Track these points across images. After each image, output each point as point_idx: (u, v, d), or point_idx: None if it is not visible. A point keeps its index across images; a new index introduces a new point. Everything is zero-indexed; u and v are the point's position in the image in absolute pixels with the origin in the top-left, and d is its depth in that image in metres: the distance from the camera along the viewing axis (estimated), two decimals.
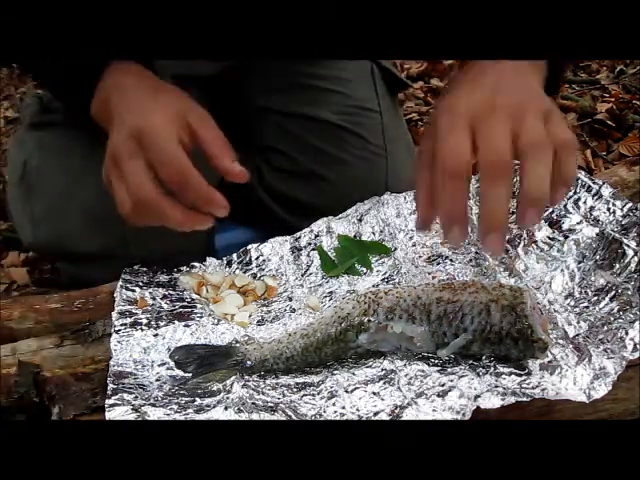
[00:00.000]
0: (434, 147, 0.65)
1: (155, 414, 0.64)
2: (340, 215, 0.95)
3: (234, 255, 0.92)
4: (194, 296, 0.85)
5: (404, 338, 0.70)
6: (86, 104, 0.81)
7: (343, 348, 0.72)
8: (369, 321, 0.71)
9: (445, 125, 0.65)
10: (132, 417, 0.64)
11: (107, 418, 0.64)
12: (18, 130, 1.13)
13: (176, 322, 0.79)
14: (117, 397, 0.66)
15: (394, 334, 0.70)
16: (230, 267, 0.91)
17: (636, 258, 0.77)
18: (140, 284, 0.85)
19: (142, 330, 0.77)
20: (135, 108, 0.76)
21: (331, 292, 0.85)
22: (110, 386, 0.68)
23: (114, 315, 0.79)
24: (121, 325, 0.77)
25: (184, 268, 0.90)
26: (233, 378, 0.70)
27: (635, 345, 0.67)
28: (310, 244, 0.92)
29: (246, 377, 0.71)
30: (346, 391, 0.68)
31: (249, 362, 0.71)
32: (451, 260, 0.86)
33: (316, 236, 0.92)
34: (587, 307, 0.75)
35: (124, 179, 0.73)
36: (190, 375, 0.71)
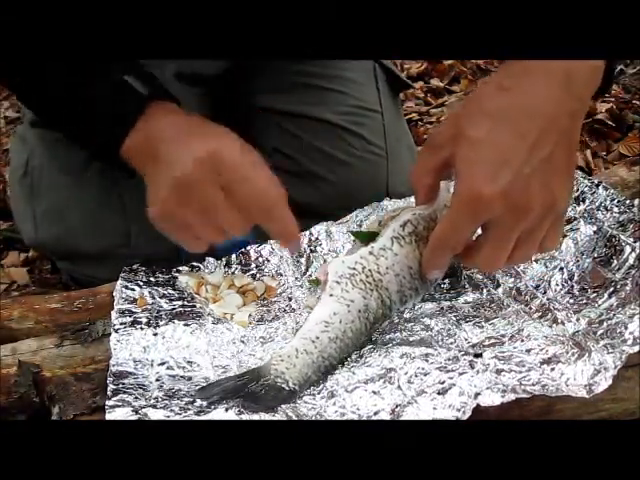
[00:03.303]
0: (453, 159, 0.65)
1: (156, 416, 0.64)
2: (340, 220, 0.95)
3: (233, 255, 0.92)
4: (194, 295, 0.85)
5: None
6: (118, 142, 0.78)
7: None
8: (390, 310, 0.75)
9: (471, 157, 0.64)
10: (132, 419, 0.64)
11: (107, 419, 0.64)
12: (20, 126, 1.13)
13: (176, 321, 0.79)
14: (117, 398, 0.66)
15: None
16: (229, 267, 0.91)
17: (634, 254, 0.77)
18: (139, 283, 0.85)
19: (142, 329, 0.77)
20: (204, 136, 0.76)
21: None
22: (110, 387, 0.68)
23: (113, 314, 0.79)
24: (120, 324, 0.77)
25: (183, 268, 0.90)
26: None
27: (635, 339, 0.67)
28: (309, 246, 0.92)
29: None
30: (346, 390, 0.68)
31: (292, 385, 0.68)
32: None
33: (316, 239, 0.92)
34: (586, 304, 0.76)
35: (207, 210, 0.73)
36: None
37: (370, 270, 0.73)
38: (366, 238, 0.78)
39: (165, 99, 0.79)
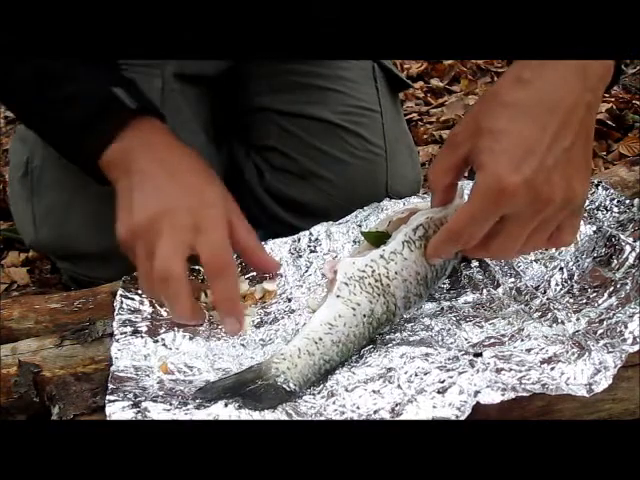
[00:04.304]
0: (475, 153, 0.65)
1: (155, 409, 0.64)
2: (340, 220, 0.95)
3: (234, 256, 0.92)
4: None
5: None
6: (98, 151, 0.78)
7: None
8: (394, 315, 0.75)
9: (494, 147, 0.64)
10: (132, 412, 0.64)
11: (107, 413, 0.64)
12: (20, 126, 1.13)
13: (175, 328, 0.78)
14: (117, 394, 0.66)
15: None
16: None
17: (634, 253, 0.77)
18: (139, 292, 0.84)
19: (142, 337, 0.77)
20: (186, 182, 0.77)
21: None
22: (110, 386, 0.68)
23: (114, 324, 0.78)
24: (121, 334, 0.77)
25: None
26: None
27: (635, 338, 0.67)
28: (309, 246, 0.92)
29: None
30: (346, 390, 0.68)
31: (293, 386, 0.68)
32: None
33: (316, 239, 0.92)
34: (586, 304, 0.76)
35: (160, 246, 0.73)
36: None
37: (379, 274, 0.73)
38: (375, 239, 0.78)
39: (151, 114, 0.80)
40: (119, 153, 0.77)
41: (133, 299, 0.83)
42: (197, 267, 0.89)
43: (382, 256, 0.74)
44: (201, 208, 0.75)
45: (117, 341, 0.76)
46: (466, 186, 0.84)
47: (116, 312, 0.80)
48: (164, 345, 0.76)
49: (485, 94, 0.70)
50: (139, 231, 0.75)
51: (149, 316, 0.81)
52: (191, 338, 0.78)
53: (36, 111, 0.81)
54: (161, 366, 0.73)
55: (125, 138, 0.77)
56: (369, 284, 0.73)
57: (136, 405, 0.64)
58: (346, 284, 0.73)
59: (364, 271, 0.73)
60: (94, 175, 0.81)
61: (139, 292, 0.84)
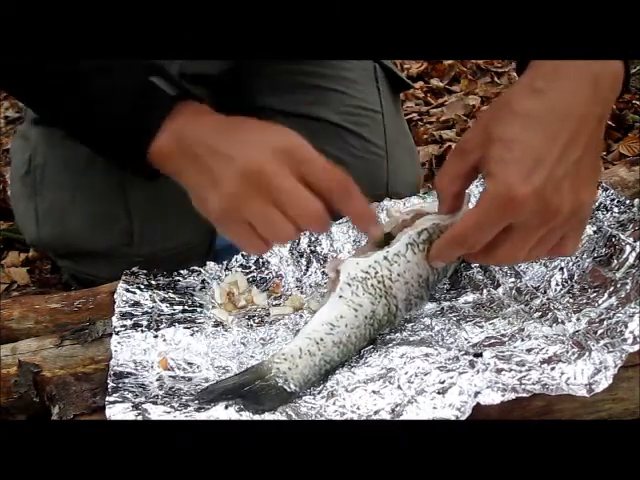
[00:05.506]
0: (485, 161, 0.65)
1: (155, 412, 0.64)
2: (340, 220, 0.95)
3: (235, 257, 0.92)
4: (194, 299, 0.85)
5: None
6: (144, 145, 0.73)
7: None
8: (395, 317, 0.74)
9: (506, 157, 0.63)
10: (132, 414, 0.64)
11: (107, 415, 0.64)
12: (22, 125, 1.13)
13: (176, 324, 0.79)
14: (117, 395, 0.66)
15: None
16: (229, 270, 0.91)
17: (634, 253, 0.77)
18: (140, 286, 0.85)
19: (142, 332, 0.77)
20: (267, 129, 0.71)
21: None
22: (110, 385, 0.68)
23: (114, 317, 0.79)
24: (121, 327, 0.77)
25: (184, 271, 0.90)
26: None
27: (635, 338, 0.67)
28: (309, 246, 0.92)
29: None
30: (346, 390, 0.68)
31: (293, 387, 0.68)
32: None
33: (316, 239, 0.92)
34: (586, 304, 0.76)
35: (281, 196, 0.67)
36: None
37: (382, 276, 0.73)
38: (380, 240, 0.77)
39: (193, 99, 0.76)
40: (171, 141, 0.72)
41: (134, 292, 0.83)
42: (197, 268, 0.90)
43: (386, 258, 0.73)
44: (287, 143, 0.69)
45: (117, 334, 0.76)
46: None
47: (117, 304, 0.81)
48: (164, 340, 0.77)
49: (496, 102, 0.70)
50: (240, 194, 0.68)
51: (149, 310, 0.81)
52: (192, 335, 0.78)
53: (73, 112, 0.77)
54: (160, 361, 0.74)
55: (173, 125, 0.72)
56: (372, 285, 0.73)
57: (136, 407, 0.64)
58: (349, 285, 0.73)
59: (367, 272, 0.73)
60: (142, 170, 0.76)
61: (140, 286, 0.84)
